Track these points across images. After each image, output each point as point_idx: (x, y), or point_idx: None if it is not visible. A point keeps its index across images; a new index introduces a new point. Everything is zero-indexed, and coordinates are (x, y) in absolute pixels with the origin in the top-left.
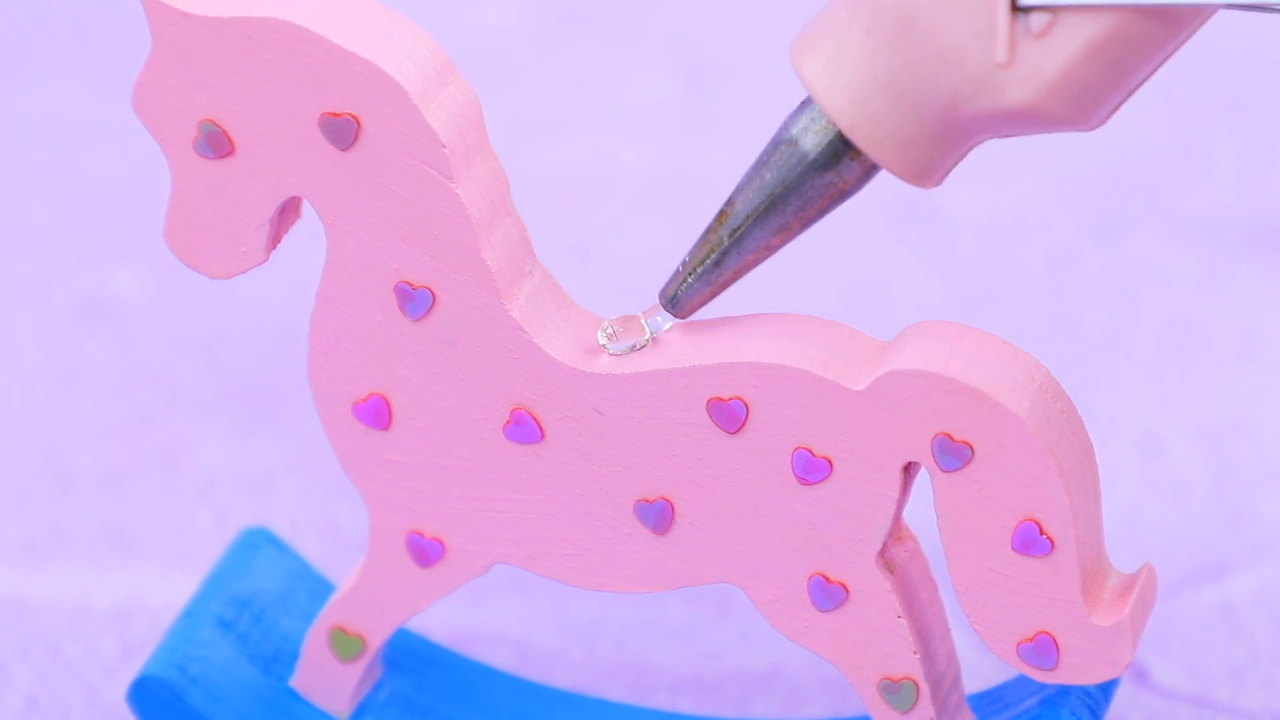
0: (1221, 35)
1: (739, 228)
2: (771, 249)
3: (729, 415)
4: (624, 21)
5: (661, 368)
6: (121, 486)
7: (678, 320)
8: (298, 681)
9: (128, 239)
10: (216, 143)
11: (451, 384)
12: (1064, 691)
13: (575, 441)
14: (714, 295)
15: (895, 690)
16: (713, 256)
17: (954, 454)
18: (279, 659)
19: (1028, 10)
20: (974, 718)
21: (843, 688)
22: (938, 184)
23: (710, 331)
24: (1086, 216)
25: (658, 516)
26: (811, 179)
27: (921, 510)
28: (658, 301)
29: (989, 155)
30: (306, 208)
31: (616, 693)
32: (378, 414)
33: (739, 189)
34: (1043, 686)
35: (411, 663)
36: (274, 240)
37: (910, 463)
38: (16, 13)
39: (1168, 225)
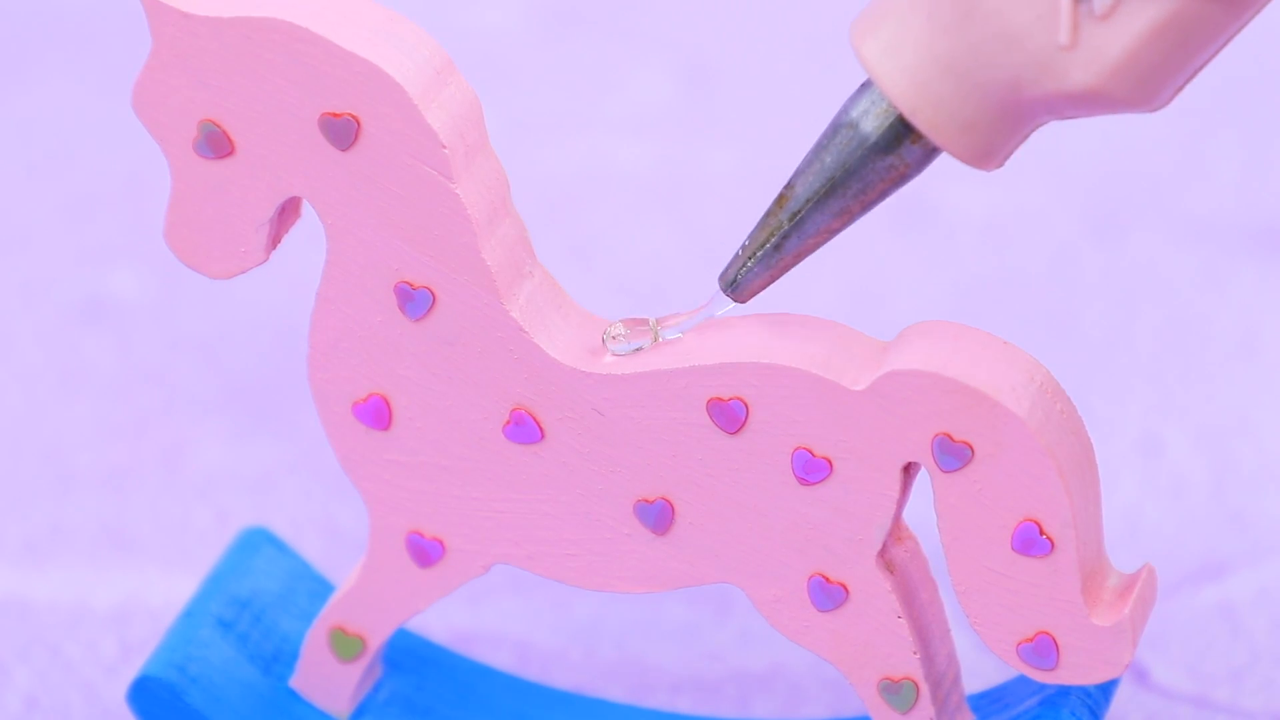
0: None
1: (799, 211)
2: (832, 232)
3: (729, 415)
4: (624, 21)
5: (661, 368)
6: (121, 486)
7: (738, 303)
8: (298, 681)
9: (128, 239)
10: (216, 143)
11: (451, 384)
12: (1064, 691)
13: (575, 442)
14: (774, 279)
15: (895, 690)
16: (773, 240)
17: (954, 454)
18: (279, 659)
19: None
20: (974, 718)
21: (843, 688)
22: (999, 166)
23: (710, 331)
24: (1086, 216)
25: (658, 516)
26: (872, 162)
27: (921, 510)
28: (718, 288)
29: None
30: (306, 208)
31: (616, 693)
32: (378, 414)
33: (799, 172)
34: (1043, 686)
35: (411, 663)
36: (274, 240)
37: (910, 463)
38: (16, 13)
39: (1168, 225)
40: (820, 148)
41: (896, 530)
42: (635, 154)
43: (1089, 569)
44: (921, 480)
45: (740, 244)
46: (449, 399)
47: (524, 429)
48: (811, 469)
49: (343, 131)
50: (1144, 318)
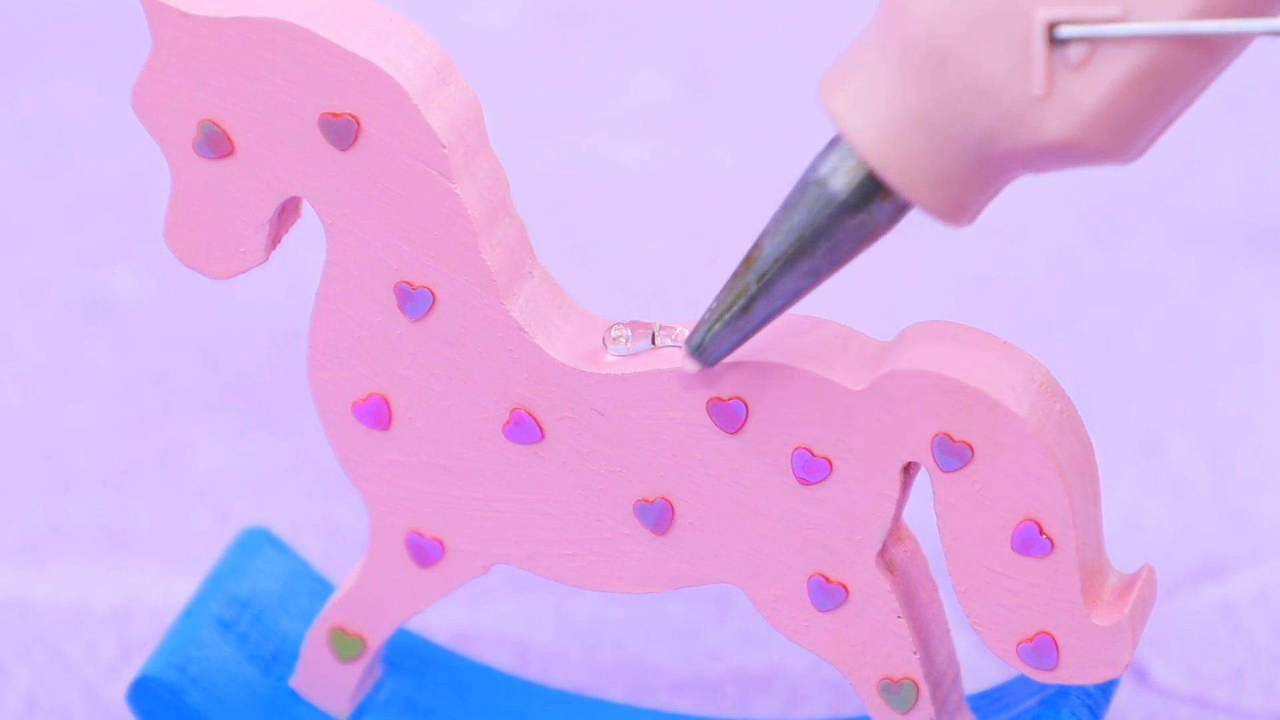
0: None
1: (767, 272)
2: (801, 294)
3: (729, 415)
4: (624, 21)
5: (661, 368)
6: (121, 486)
7: (704, 367)
8: (298, 681)
9: (128, 239)
10: (216, 143)
11: (451, 384)
12: (1064, 691)
13: (575, 442)
14: (742, 343)
15: (895, 690)
16: (740, 302)
17: (954, 454)
18: (279, 659)
19: (1065, 42)
20: (974, 718)
21: (843, 688)
22: (970, 222)
23: None
24: (1086, 216)
25: (658, 516)
26: (842, 221)
27: (921, 510)
28: (684, 351)
29: None
30: (306, 208)
31: (616, 693)
32: (378, 414)
33: (766, 233)
34: (1043, 686)
35: (411, 663)
36: (274, 240)
37: (910, 463)
38: (16, 13)
39: (1168, 225)
40: (788, 207)
41: (896, 530)
42: (635, 154)
43: (1089, 569)
44: (921, 480)
45: (707, 306)
46: (449, 399)
47: (524, 429)
48: (811, 469)
49: (343, 131)
50: (1144, 318)
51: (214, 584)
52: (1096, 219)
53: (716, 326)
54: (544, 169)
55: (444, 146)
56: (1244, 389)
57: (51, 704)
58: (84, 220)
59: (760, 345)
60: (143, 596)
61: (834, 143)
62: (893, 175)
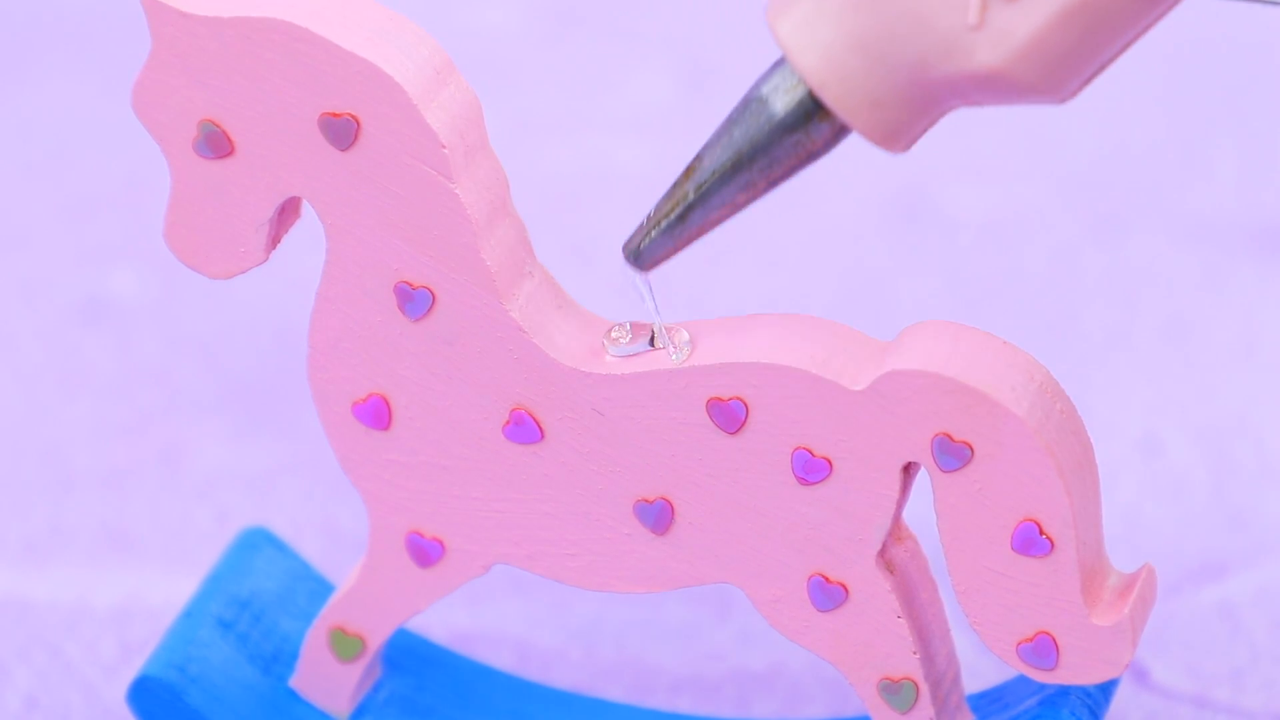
0: (1220, 34)
1: (704, 183)
2: (737, 207)
3: (729, 415)
4: (624, 21)
5: (661, 368)
6: (121, 486)
7: (641, 273)
8: (297, 681)
9: (128, 239)
10: (216, 143)
11: (451, 384)
12: (1064, 691)
13: (575, 442)
14: (677, 251)
15: (895, 690)
16: (677, 211)
17: (954, 454)
18: (279, 659)
19: None
20: (974, 718)
21: (843, 688)
22: (905, 149)
23: (710, 331)
24: (1086, 216)
25: (658, 516)
26: (780, 138)
27: (921, 510)
28: (624, 258)
29: (989, 155)
30: (306, 208)
31: (616, 693)
32: (378, 414)
33: (708, 145)
34: (1042, 686)
35: (411, 663)
36: (274, 240)
37: (910, 463)
38: (16, 13)
39: (1168, 225)
40: (730, 122)
41: (896, 530)
42: (635, 154)
43: (1089, 569)
44: (921, 480)
45: (644, 214)
46: (449, 399)
47: (524, 429)
48: (811, 469)
49: (342, 131)
50: (1144, 318)
51: (214, 584)
52: (1096, 219)
53: (654, 233)
54: (544, 169)
55: (444, 146)
56: (1244, 389)
57: (51, 704)
58: (84, 220)
59: (760, 345)
60: (143, 596)
61: (778, 64)
62: (829, 96)
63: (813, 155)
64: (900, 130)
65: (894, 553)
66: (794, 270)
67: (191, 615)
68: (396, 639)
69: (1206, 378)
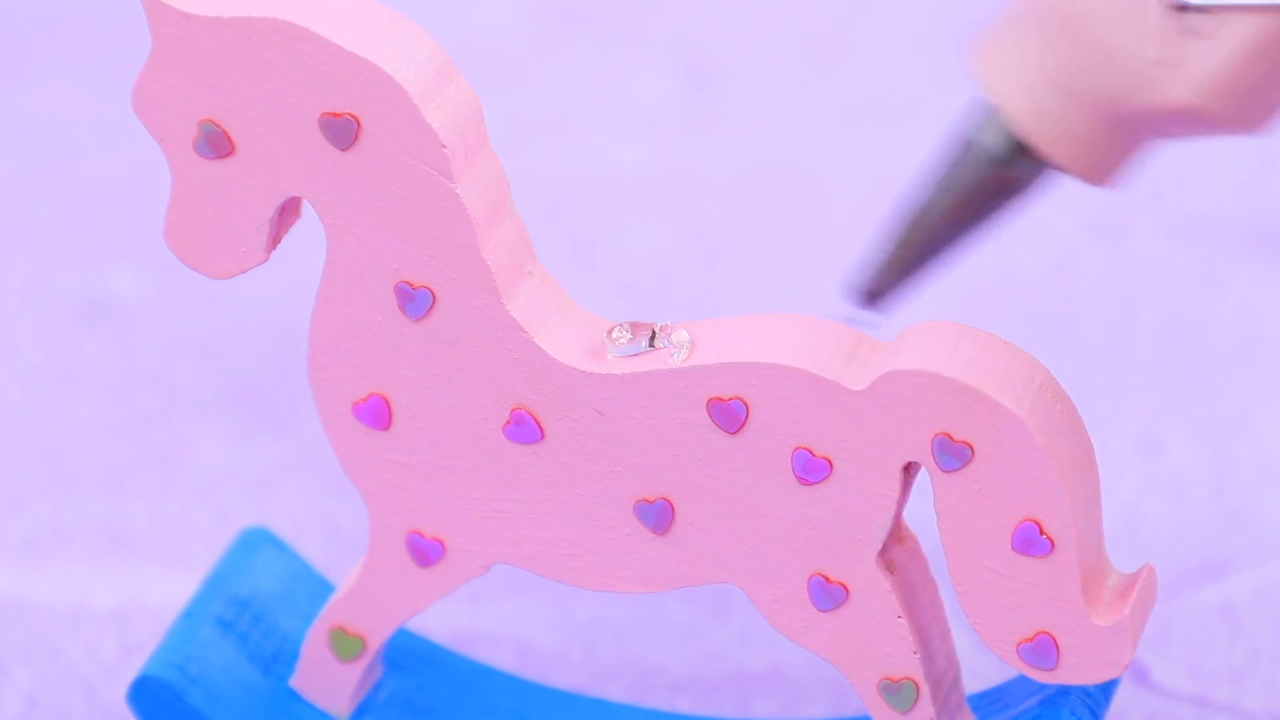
0: None
1: (925, 225)
2: (955, 244)
3: (729, 415)
4: (624, 21)
5: (662, 368)
6: (121, 486)
7: (879, 316)
8: (298, 681)
9: (128, 239)
10: (216, 143)
11: (451, 384)
12: (1064, 691)
13: (575, 442)
14: (904, 288)
15: (895, 690)
16: (904, 254)
17: (954, 454)
18: (279, 659)
19: (1185, 9)
20: (974, 718)
21: (843, 688)
22: (1110, 184)
23: (710, 331)
24: (1086, 216)
25: (658, 516)
26: (988, 177)
27: (921, 510)
28: (852, 304)
29: None
30: (306, 208)
31: (616, 693)
32: (378, 414)
33: (918, 188)
34: (1043, 686)
35: (411, 663)
36: (274, 240)
37: (910, 463)
38: (16, 13)
39: (1168, 225)
40: (938, 163)
41: (896, 530)
42: (635, 154)
43: (1089, 569)
44: (921, 480)
45: (865, 257)
46: (449, 399)
47: (524, 429)
48: (811, 469)
49: (343, 131)
50: (1144, 318)
51: (214, 584)
52: (1096, 219)
53: (886, 276)
54: (544, 169)
55: (444, 146)
56: (1244, 389)
57: (51, 704)
58: (84, 220)
59: (761, 345)
60: (143, 596)
61: (981, 103)
62: (1033, 134)
63: (1018, 193)
64: (1102, 165)
65: (894, 553)
66: (794, 270)
67: (192, 615)
68: (397, 639)
69: (1206, 378)
